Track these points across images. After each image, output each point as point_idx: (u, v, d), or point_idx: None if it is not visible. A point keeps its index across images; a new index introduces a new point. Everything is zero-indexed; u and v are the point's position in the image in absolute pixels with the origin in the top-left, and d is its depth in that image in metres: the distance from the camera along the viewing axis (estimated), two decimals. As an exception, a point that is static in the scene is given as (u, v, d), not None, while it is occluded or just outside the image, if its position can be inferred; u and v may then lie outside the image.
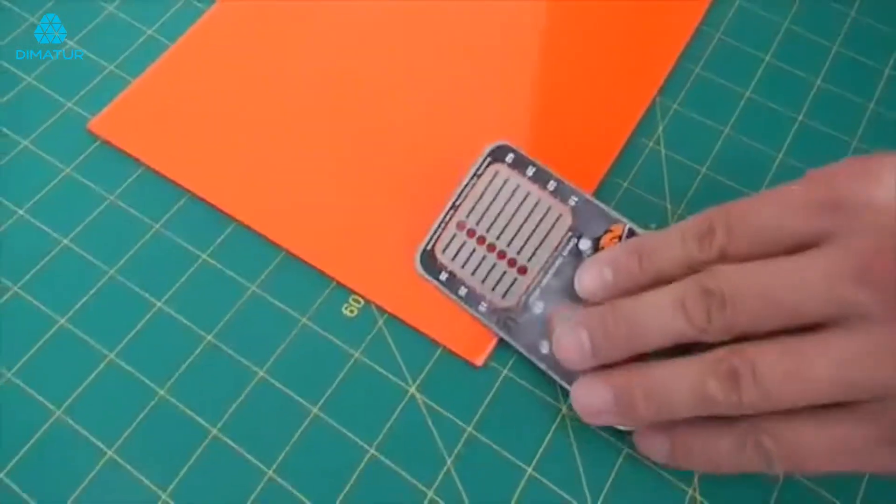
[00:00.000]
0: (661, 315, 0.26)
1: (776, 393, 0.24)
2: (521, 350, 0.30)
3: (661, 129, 0.36)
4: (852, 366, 0.23)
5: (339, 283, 0.32)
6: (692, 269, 0.27)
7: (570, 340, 0.28)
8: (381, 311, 0.32)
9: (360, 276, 0.32)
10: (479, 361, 0.30)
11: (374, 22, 0.38)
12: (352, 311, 0.32)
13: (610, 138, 0.36)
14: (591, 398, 0.28)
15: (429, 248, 0.32)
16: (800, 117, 0.37)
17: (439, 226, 0.32)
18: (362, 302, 0.32)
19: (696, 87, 0.37)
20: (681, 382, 0.26)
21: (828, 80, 0.38)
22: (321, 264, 0.32)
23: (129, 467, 0.28)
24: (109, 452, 0.29)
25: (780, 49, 0.39)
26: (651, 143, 0.36)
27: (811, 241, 0.25)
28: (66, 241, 0.33)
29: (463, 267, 0.31)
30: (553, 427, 0.29)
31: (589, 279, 0.29)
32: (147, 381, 0.30)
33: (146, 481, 0.28)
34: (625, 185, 0.35)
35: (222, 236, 0.33)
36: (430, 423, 0.29)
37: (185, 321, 0.31)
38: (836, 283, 0.24)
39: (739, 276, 0.25)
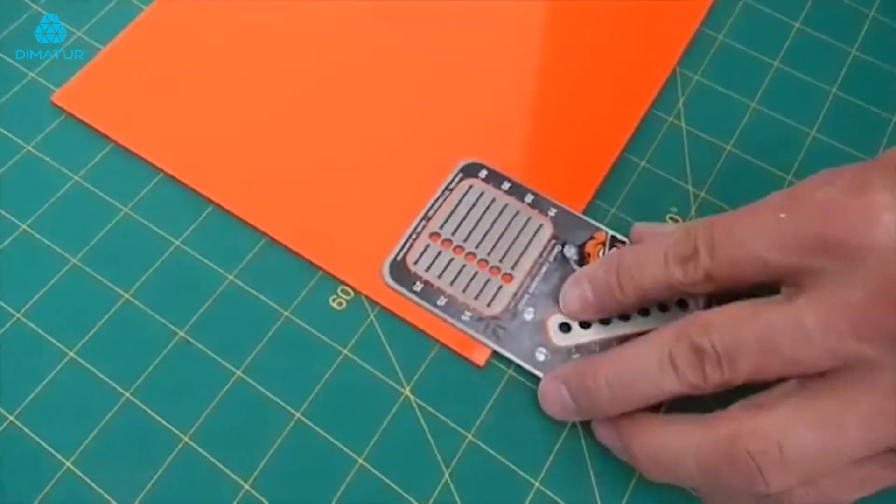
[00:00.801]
0: (647, 375, 0.24)
1: (809, 470, 0.22)
2: (515, 359, 0.27)
3: (681, 102, 0.33)
4: (882, 423, 0.21)
5: (326, 273, 0.29)
6: (676, 291, 0.25)
7: (552, 394, 0.26)
8: (373, 303, 0.28)
9: (349, 264, 0.29)
10: (481, 361, 0.27)
11: (365, 9, 0.35)
12: (340, 304, 0.29)
13: (624, 114, 0.32)
14: (607, 441, 0.26)
15: (399, 258, 0.29)
16: (833, 90, 0.33)
17: (409, 237, 0.29)
18: (352, 293, 0.29)
19: (720, 56, 0.34)
20: (687, 457, 0.23)
21: (864, 49, 0.34)
22: (306, 251, 0.29)
23: (88, 480, 0.25)
24: (67, 464, 0.26)
25: (812, 15, 0.35)
26: (671, 118, 0.33)
27: (798, 277, 0.23)
28: (24, 227, 0.30)
29: (440, 277, 0.28)
30: (563, 435, 0.26)
31: (571, 300, 0.27)
32: (111, 382, 0.27)
33: (107, 496, 0.25)
34: (642, 163, 0.32)
35: (198, 220, 0.30)
36: (426, 429, 0.26)
37: (154, 315, 0.28)
38: (836, 336, 0.21)
39: (733, 331, 0.23)
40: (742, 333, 0.22)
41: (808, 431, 0.22)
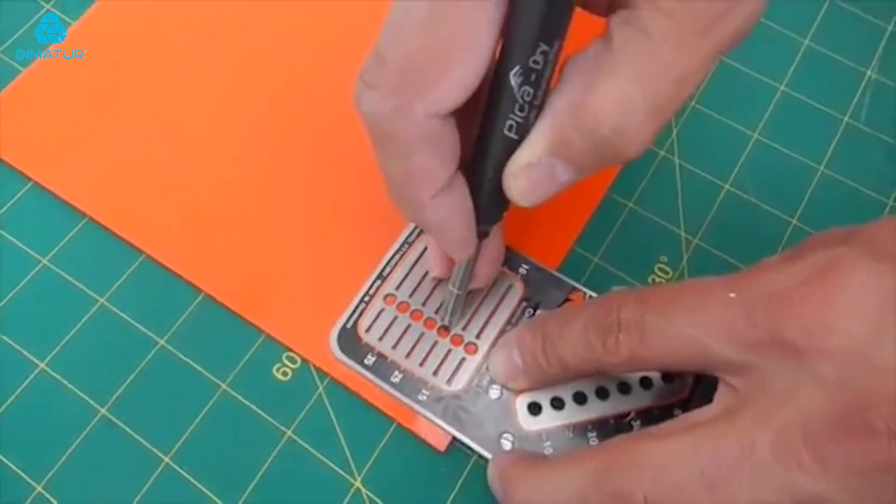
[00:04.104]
0: None
1: None
2: (479, 449, 0.24)
3: (674, 132, 0.29)
4: None
5: (269, 337, 0.26)
6: (598, 366, 0.22)
7: (495, 486, 0.23)
8: (322, 374, 0.25)
9: (295, 328, 0.26)
10: (442, 445, 0.24)
11: (315, 50, 0.30)
12: (285, 374, 0.25)
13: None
14: None
15: (348, 325, 0.25)
16: (846, 118, 0.30)
17: (361, 299, 0.25)
18: (299, 362, 0.25)
19: (718, 79, 0.30)
20: None
21: (882, 71, 0.31)
22: (247, 312, 0.26)
23: (-8, 590, 0.22)
24: (-33, 571, 0.23)
25: (823, 31, 0.31)
26: (662, 152, 0.29)
27: (741, 372, 0.20)
28: (-74, 283, 0.26)
29: (395, 347, 0.25)
30: (534, 535, 0.23)
31: (500, 364, 0.24)
32: (20, 473, 0.24)
33: None
34: (629, 204, 0.28)
35: (126, 274, 0.27)
36: (379, 526, 0.23)
37: (72, 388, 0.25)
38: (792, 466, 0.18)
39: (666, 470, 0.19)
40: (680, 473, 0.19)
41: None
